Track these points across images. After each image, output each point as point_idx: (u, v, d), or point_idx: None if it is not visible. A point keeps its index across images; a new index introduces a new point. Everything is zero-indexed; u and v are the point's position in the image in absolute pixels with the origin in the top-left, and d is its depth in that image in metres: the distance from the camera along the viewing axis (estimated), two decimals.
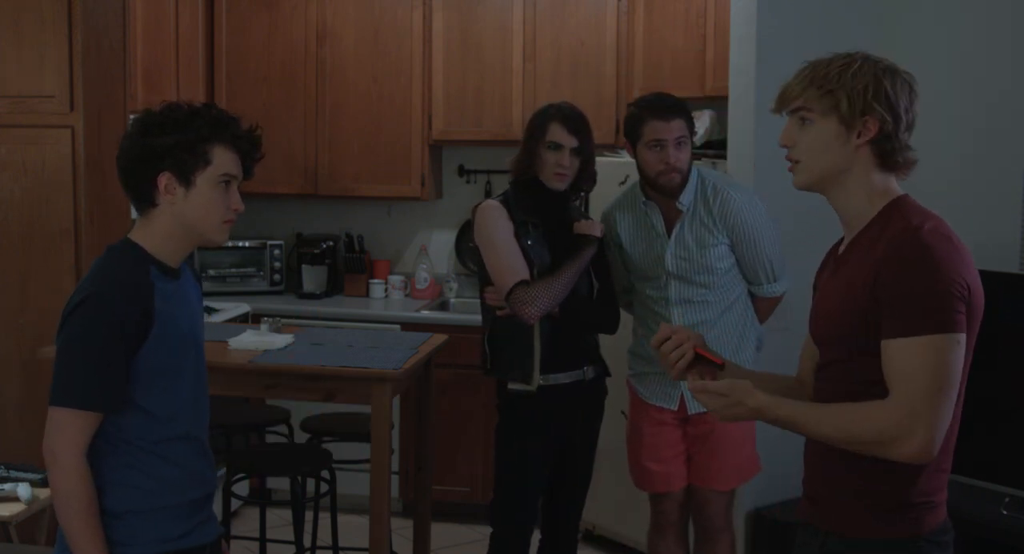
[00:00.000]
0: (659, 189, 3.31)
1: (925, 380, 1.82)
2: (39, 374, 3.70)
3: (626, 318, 3.54)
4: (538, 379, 3.27)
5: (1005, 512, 3.40)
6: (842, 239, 2.09)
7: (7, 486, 3.18)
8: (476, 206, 3.37)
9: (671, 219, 3.35)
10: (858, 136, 1.96)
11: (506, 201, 3.32)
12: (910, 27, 4.00)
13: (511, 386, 3.31)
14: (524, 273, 3.22)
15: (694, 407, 3.34)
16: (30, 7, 3.73)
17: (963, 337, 1.86)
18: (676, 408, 3.38)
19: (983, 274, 3.49)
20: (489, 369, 3.36)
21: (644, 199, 3.37)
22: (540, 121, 3.30)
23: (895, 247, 1.88)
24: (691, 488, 3.46)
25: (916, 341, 1.83)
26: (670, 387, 3.37)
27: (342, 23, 5.18)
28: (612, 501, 4.49)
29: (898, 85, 1.96)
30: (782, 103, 2.03)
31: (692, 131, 3.34)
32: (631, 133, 3.32)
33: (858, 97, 1.93)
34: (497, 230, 3.27)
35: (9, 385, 3.83)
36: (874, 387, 1.90)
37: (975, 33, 3.81)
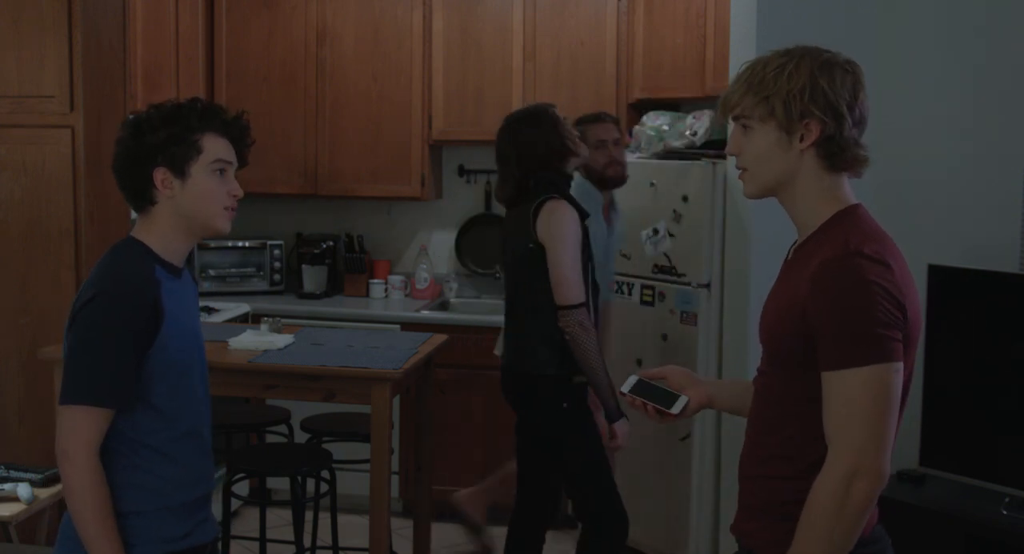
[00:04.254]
0: (607, 182, 3.90)
1: (863, 412, 1.77)
2: (39, 374, 3.71)
3: None
4: None
5: (1005, 512, 3.40)
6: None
7: (7, 486, 3.18)
8: (543, 202, 3.34)
9: (607, 213, 3.94)
10: (800, 140, 1.87)
11: (573, 202, 3.39)
12: (909, 27, 4.00)
13: (577, 379, 3.37)
14: (584, 293, 3.33)
15: None
16: (30, 7, 3.73)
17: (900, 365, 1.80)
18: None
19: (983, 274, 3.53)
20: (562, 368, 3.36)
21: (598, 194, 3.89)
22: (557, 118, 3.51)
23: (828, 272, 1.80)
24: None
25: (853, 373, 1.77)
26: None
27: (342, 23, 5.18)
28: None
29: (837, 81, 1.86)
30: (724, 110, 1.97)
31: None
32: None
33: (794, 101, 1.85)
34: (576, 237, 3.35)
35: (9, 385, 3.83)
36: (797, 406, 1.88)
37: (974, 33, 3.81)
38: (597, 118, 3.93)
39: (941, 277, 3.58)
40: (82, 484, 2.07)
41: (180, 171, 2.15)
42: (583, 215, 3.39)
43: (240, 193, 2.23)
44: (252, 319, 4.91)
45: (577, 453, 3.43)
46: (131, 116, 2.23)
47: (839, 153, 1.88)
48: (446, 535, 4.66)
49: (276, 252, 5.38)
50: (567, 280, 3.28)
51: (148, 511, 2.15)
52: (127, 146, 2.18)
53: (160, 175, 2.15)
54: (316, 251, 5.35)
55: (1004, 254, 3.66)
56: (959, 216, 3.85)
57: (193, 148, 2.15)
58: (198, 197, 2.17)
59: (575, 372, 3.36)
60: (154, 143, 2.14)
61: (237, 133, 2.23)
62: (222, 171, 2.19)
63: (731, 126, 2.00)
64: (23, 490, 3.16)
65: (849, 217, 1.90)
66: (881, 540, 1.94)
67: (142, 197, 2.19)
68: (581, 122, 3.85)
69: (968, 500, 3.52)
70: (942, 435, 3.62)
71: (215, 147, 2.18)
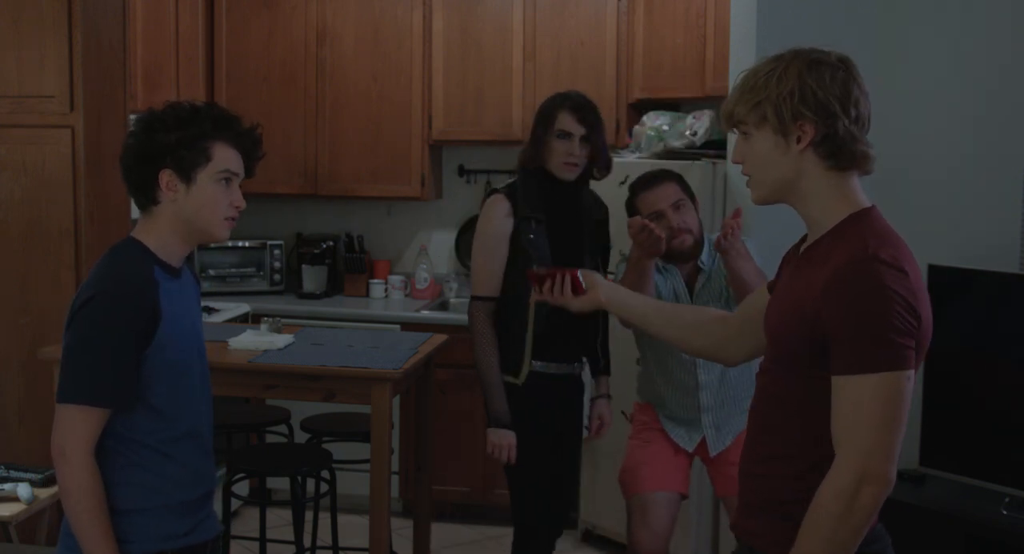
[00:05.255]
0: (675, 256, 3.28)
1: (873, 418, 1.77)
2: (39, 374, 3.71)
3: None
4: (526, 372, 3.28)
5: (1005, 512, 3.40)
6: (806, 237, 2.02)
7: (7, 486, 3.18)
8: (490, 194, 3.37)
9: (691, 281, 3.35)
10: (797, 142, 1.88)
11: (512, 194, 3.31)
12: (909, 27, 4.00)
13: (505, 378, 3.29)
14: (493, 290, 3.28)
15: (715, 451, 3.36)
16: (30, 7, 3.73)
17: (912, 373, 1.80)
18: (691, 450, 3.39)
19: (983, 274, 3.54)
20: None
21: (662, 264, 3.32)
22: (549, 110, 3.30)
23: (844, 276, 1.79)
24: (729, 502, 3.38)
25: (865, 379, 1.77)
26: (694, 433, 3.37)
27: (342, 23, 5.18)
28: (612, 501, 4.49)
29: (826, 80, 1.86)
30: (725, 121, 1.98)
31: (690, 194, 3.32)
32: (630, 211, 3.33)
33: (784, 104, 1.86)
34: (493, 230, 3.29)
35: (9, 385, 3.83)
36: (803, 406, 1.88)
37: (974, 32, 3.81)
38: (648, 183, 3.31)
39: (941, 277, 3.58)
40: (78, 484, 2.08)
41: (186, 176, 2.16)
42: (531, 213, 3.26)
43: (243, 204, 2.23)
44: (252, 319, 4.91)
45: (518, 458, 3.30)
46: (145, 112, 2.22)
47: (839, 151, 1.88)
48: (446, 535, 4.66)
49: (276, 252, 5.38)
50: (473, 271, 3.35)
51: (148, 509, 2.16)
52: (138, 141, 2.18)
53: (166, 177, 2.16)
54: (316, 251, 5.35)
55: (1004, 254, 3.66)
56: (959, 216, 3.85)
57: (203, 155, 2.16)
58: (201, 205, 2.17)
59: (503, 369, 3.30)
60: (164, 143, 2.14)
61: (249, 145, 2.24)
62: (228, 181, 2.20)
63: (732, 135, 2.01)
64: (23, 490, 3.16)
65: (865, 219, 1.89)
66: (881, 539, 1.95)
67: (145, 195, 2.19)
68: (633, 188, 3.36)
69: (968, 500, 3.52)
70: (942, 435, 3.62)
71: (225, 157, 2.19)
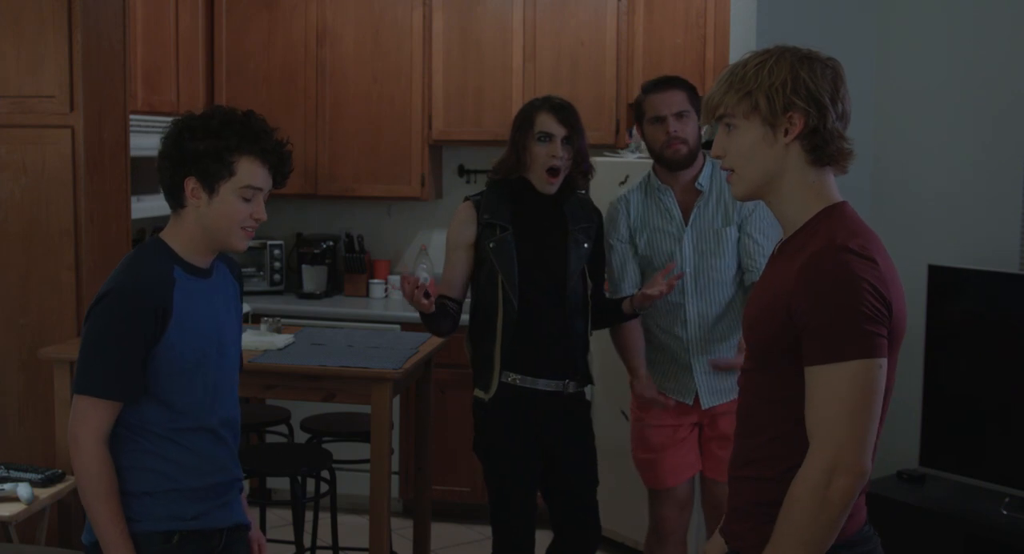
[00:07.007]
0: (667, 163, 3.27)
1: (845, 407, 1.76)
2: (39, 374, 3.71)
3: None
4: (496, 386, 3.20)
5: (1005, 512, 3.40)
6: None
7: (7, 486, 3.18)
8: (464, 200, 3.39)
9: (687, 204, 3.30)
10: (785, 134, 1.88)
11: (479, 202, 3.30)
12: (909, 27, 4.00)
13: (475, 393, 3.27)
14: (453, 291, 3.31)
15: (708, 402, 3.30)
16: (30, 7, 3.72)
17: (884, 361, 1.79)
18: (692, 403, 3.33)
19: (983, 274, 3.54)
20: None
21: (659, 184, 3.32)
22: (527, 113, 3.22)
23: (815, 266, 1.80)
24: (708, 483, 3.41)
25: (837, 368, 1.77)
26: (686, 380, 3.32)
27: (342, 23, 5.18)
28: (612, 501, 4.49)
29: (818, 74, 1.87)
30: (707, 114, 1.97)
31: (697, 107, 3.25)
32: (638, 116, 3.35)
33: (776, 94, 1.86)
34: (451, 237, 3.32)
35: (9, 385, 3.83)
36: (783, 404, 1.87)
37: (974, 33, 3.81)
38: (656, 86, 3.28)
39: (941, 277, 3.58)
40: (88, 468, 2.19)
41: (210, 187, 2.23)
42: (492, 220, 3.21)
43: (263, 217, 2.29)
44: (252, 319, 4.91)
45: (485, 473, 3.32)
46: (183, 115, 2.29)
47: (823, 146, 1.89)
48: (446, 535, 4.66)
49: (276, 252, 5.38)
50: (443, 275, 3.38)
51: (157, 492, 2.25)
52: (168, 145, 2.26)
53: (191, 184, 2.23)
54: (316, 251, 5.35)
55: (1004, 254, 3.66)
56: (959, 216, 3.85)
57: (227, 169, 2.22)
58: (221, 216, 2.24)
59: (474, 381, 3.28)
60: (191, 152, 2.21)
61: (276, 160, 2.29)
62: (250, 195, 2.25)
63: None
64: (23, 490, 3.16)
65: (835, 213, 1.90)
66: (870, 540, 1.94)
67: (174, 198, 2.28)
68: (644, 88, 3.33)
69: (968, 500, 3.51)
70: (942, 435, 3.62)
71: (248, 172, 2.24)
